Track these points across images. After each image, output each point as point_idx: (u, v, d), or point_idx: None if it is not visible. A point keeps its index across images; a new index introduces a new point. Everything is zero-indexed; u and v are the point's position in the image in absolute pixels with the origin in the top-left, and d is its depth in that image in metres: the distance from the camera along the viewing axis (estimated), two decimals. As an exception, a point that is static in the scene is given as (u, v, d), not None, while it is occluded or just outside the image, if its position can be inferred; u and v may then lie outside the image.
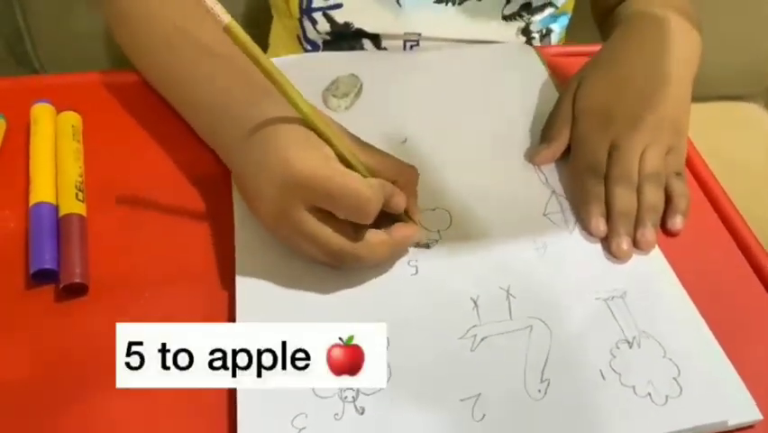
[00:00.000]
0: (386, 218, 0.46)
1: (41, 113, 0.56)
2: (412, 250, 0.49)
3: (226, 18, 0.40)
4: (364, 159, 0.45)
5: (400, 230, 0.46)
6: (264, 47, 0.78)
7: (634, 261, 0.49)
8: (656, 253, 0.50)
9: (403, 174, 0.47)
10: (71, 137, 0.55)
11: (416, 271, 0.48)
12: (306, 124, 0.44)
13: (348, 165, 0.44)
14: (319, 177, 0.42)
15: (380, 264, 0.47)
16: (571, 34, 0.76)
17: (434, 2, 0.64)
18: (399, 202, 0.45)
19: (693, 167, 0.58)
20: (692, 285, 0.48)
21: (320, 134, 0.44)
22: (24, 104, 0.56)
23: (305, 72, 0.61)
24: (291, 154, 0.42)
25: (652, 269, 0.49)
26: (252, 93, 0.48)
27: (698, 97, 0.99)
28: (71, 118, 0.56)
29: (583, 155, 0.53)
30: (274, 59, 0.64)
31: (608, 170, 0.52)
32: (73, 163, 0.53)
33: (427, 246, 0.49)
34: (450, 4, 0.65)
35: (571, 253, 0.49)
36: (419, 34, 0.66)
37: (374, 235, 0.45)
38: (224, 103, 0.49)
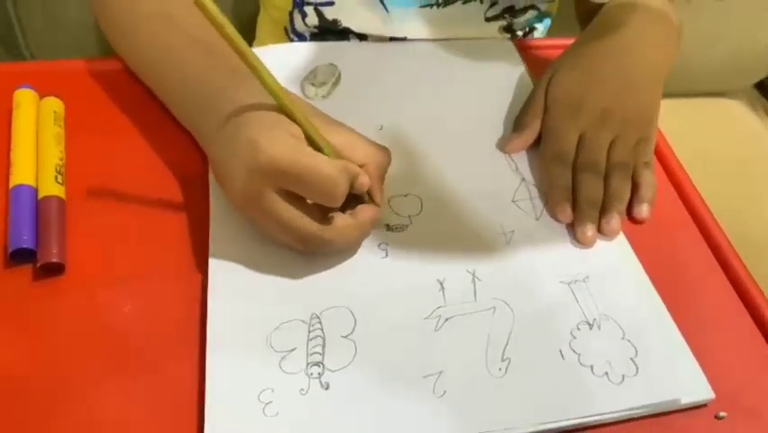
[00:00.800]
0: (352, 200, 0.47)
1: (24, 98, 0.57)
2: (383, 233, 0.50)
3: None
4: (333, 140, 0.46)
5: (363, 212, 0.47)
6: (250, 37, 0.79)
7: (598, 246, 0.51)
8: (621, 239, 0.51)
9: (373, 157, 0.47)
10: (53, 122, 0.56)
11: (386, 255, 0.49)
12: (276, 103, 0.44)
13: (316, 147, 0.45)
14: (286, 159, 0.43)
15: (348, 248, 0.48)
16: (553, 35, 0.77)
17: (420, 6, 0.65)
18: (363, 182, 0.46)
19: (662, 157, 0.59)
20: (655, 271, 0.49)
21: (288, 114, 0.44)
22: (8, 89, 0.57)
23: (287, 61, 0.62)
24: (260, 138, 0.43)
25: (615, 254, 0.50)
26: (228, 81, 0.49)
27: (680, 93, 1.01)
28: (53, 104, 0.57)
29: (552, 144, 0.55)
30: (258, 48, 0.65)
31: (575, 159, 0.54)
32: (53, 147, 0.54)
33: (388, 228, 0.50)
34: (435, 7, 0.66)
35: (537, 239, 0.50)
36: (405, 37, 0.67)
37: (341, 219, 0.46)
38: (201, 90, 0.50)
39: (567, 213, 0.52)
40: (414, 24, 0.66)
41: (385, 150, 0.49)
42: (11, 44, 0.77)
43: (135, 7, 0.57)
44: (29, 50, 0.77)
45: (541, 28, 0.74)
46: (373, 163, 0.47)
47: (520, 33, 0.72)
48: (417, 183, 0.53)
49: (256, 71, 0.43)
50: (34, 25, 0.78)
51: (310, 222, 0.45)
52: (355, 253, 0.48)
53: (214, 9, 0.40)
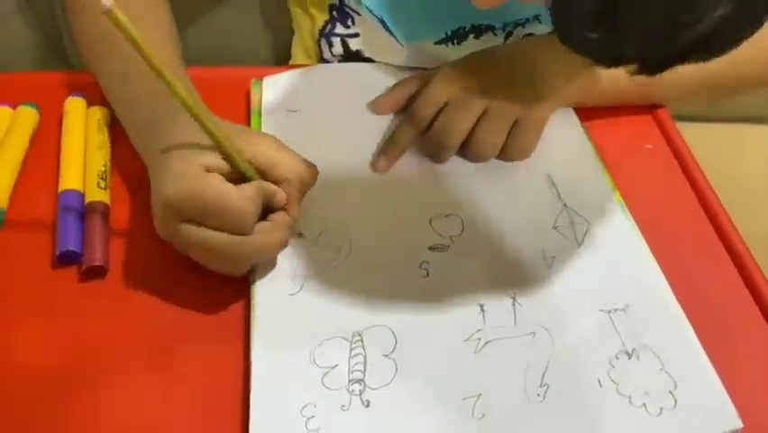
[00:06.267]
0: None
1: (74, 106, 0.58)
2: (424, 253, 0.50)
3: (108, 2, 0.39)
4: (256, 157, 0.47)
5: (278, 216, 0.47)
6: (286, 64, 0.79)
7: (637, 275, 0.50)
8: (656, 269, 0.50)
9: (293, 172, 0.47)
10: (97, 129, 0.57)
11: (427, 274, 0.49)
12: (195, 121, 0.44)
13: (237, 169, 0.45)
14: (189, 196, 0.43)
15: (274, 251, 0.47)
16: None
17: (434, 43, 0.66)
18: (280, 199, 0.47)
19: (694, 183, 0.58)
20: (684, 298, 0.49)
21: (209, 135, 0.45)
22: (59, 96, 0.59)
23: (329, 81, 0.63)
24: (168, 178, 0.44)
25: (653, 284, 0.50)
26: (155, 112, 0.50)
27: (716, 119, 0.98)
28: (98, 112, 0.58)
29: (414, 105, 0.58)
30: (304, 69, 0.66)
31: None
32: (97, 153, 0.55)
33: (429, 248, 0.51)
34: (449, 44, 0.66)
35: (577, 266, 0.50)
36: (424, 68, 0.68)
37: (260, 225, 0.46)
38: (143, 126, 0.52)
39: (379, 165, 0.56)
40: (430, 59, 0.66)
41: (308, 165, 0.49)
42: (59, 51, 0.79)
43: (83, 27, 0.59)
44: (76, 56, 0.78)
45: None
46: (294, 179, 0.47)
47: None
48: (459, 204, 0.54)
49: (175, 93, 0.43)
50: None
51: (229, 235, 0.44)
52: (397, 272, 0.49)
53: (127, 25, 0.40)
